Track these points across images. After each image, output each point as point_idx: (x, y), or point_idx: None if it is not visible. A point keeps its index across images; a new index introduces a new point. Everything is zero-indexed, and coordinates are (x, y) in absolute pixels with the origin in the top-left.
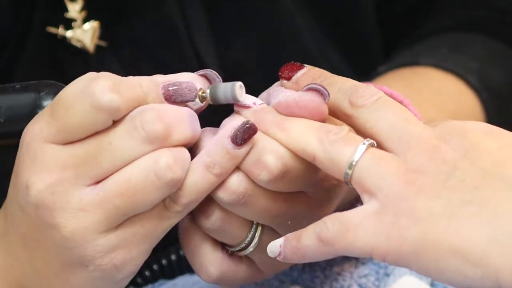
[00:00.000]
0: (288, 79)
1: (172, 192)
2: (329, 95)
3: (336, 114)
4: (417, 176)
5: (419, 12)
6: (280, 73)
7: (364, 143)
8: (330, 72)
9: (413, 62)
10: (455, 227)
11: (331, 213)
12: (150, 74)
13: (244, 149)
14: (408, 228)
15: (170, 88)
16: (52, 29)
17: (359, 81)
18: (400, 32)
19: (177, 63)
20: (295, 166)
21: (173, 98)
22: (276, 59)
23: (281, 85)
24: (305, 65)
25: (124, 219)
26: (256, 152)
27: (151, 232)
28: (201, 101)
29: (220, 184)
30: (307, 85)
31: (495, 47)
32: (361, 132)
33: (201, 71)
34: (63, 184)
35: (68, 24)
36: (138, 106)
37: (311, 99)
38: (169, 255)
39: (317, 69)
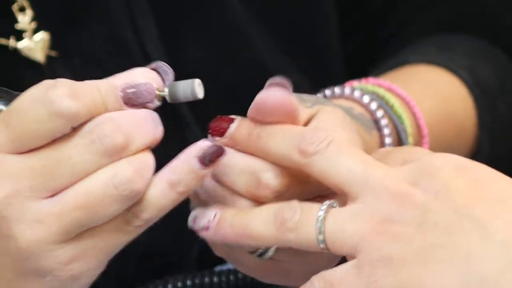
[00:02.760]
0: (221, 135)
1: (131, 204)
2: (291, 86)
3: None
4: (389, 225)
5: (386, 16)
6: (210, 131)
7: (319, 215)
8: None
9: (402, 62)
10: (429, 271)
11: None
12: None
13: (209, 170)
14: (384, 277)
15: (129, 91)
16: (2, 41)
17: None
18: (367, 39)
19: None
20: (292, 173)
21: (131, 101)
22: (230, 69)
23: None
24: (233, 116)
25: (81, 230)
26: (253, 177)
27: (110, 245)
28: (159, 101)
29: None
30: (268, 81)
31: (481, 45)
32: (319, 180)
33: (153, 64)
34: (18, 196)
35: (19, 35)
36: (97, 111)
37: (275, 93)
38: None
39: (248, 120)
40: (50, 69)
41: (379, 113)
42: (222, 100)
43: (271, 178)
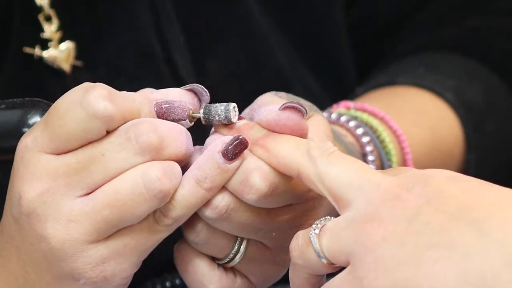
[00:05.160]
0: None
1: (160, 205)
2: (307, 112)
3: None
4: (378, 224)
5: (391, 33)
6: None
7: (312, 233)
8: (304, 92)
9: (391, 81)
10: (425, 271)
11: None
12: None
13: (234, 164)
14: (377, 280)
15: (163, 106)
16: (28, 50)
17: (334, 102)
18: (373, 53)
19: (153, 83)
20: (281, 182)
21: (165, 115)
22: (252, 78)
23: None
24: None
25: (113, 231)
26: (243, 172)
27: (141, 244)
28: (191, 121)
29: None
30: (284, 103)
31: (470, 66)
32: (315, 184)
33: (189, 86)
34: (54, 194)
35: (44, 44)
36: (131, 118)
37: (289, 117)
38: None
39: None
40: (74, 79)
41: (369, 148)
42: (244, 109)
43: (258, 180)
